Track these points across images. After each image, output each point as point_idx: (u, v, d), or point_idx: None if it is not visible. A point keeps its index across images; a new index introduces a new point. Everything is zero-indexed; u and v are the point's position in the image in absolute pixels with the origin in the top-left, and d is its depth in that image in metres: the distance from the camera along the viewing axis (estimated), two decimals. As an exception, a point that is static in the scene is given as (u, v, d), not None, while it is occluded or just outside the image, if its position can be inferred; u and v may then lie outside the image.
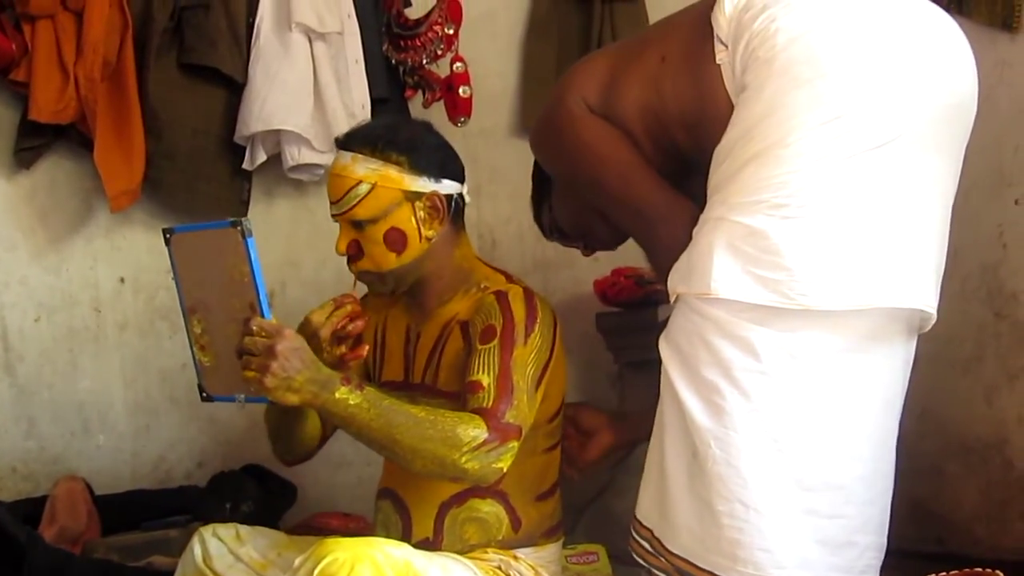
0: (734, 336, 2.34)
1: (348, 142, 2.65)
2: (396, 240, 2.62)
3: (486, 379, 2.51)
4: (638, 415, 2.78)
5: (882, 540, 2.50)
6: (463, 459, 2.40)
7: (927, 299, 2.40)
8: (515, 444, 2.47)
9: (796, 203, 2.29)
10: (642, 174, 2.63)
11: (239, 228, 2.29)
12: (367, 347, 2.61)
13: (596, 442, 2.90)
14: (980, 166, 2.96)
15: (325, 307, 2.59)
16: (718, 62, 2.48)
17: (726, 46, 2.47)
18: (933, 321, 2.46)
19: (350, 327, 2.57)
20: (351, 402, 2.36)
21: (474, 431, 2.42)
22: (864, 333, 2.36)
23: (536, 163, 3.03)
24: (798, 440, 2.34)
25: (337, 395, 2.35)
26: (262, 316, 2.31)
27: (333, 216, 2.66)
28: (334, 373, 2.38)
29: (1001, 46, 3.31)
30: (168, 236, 2.46)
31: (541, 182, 3.04)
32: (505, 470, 2.47)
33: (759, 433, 2.33)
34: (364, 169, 2.60)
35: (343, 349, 2.57)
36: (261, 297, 2.31)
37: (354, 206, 2.60)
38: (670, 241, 2.52)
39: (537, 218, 3.12)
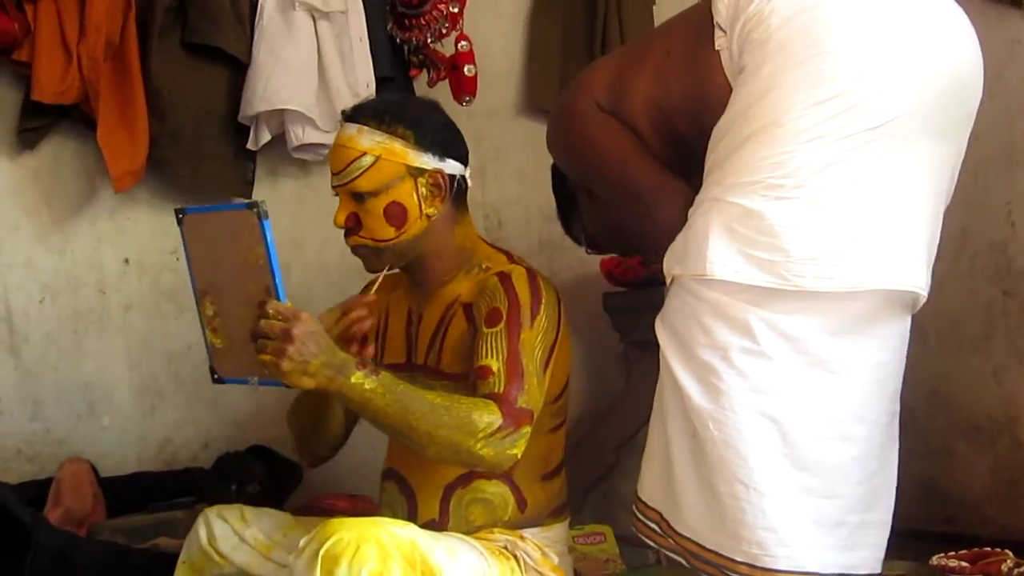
0: (730, 317, 2.34)
1: (355, 114, 2.65)
2: (396, 214, 2.61)
3: (495, 364, 2.50)
4: None
5: (879, 517, 2.50)
6: (478, 445, 2.39)
7: (919, 280, 2.41)
8: (528, 429, 2.47)
9: (792, 183, 2.30)
10: (638, 160, 2.65)
11: (255, 210, 2.26)
12: (372, 348, 2.57)
13: None
14: (990, 144, 2.96)
15: (334, 311, 2.57)
16: (717, 48, 2.51)
17: (724, 31, 2.48)
18: (923, 301, 2.45)
19: (355, 328, 2.55)
20: (367, 387, 2.34)
21: (489, 417, 2.41)
22: (859, 314, 2.37)
23: (554, 175, 3.03)
24: (794, 420, 2.34)
25: (353, 380, 2.33)
26: (278, 299, 2.29)
27: (334, 187, 2.65)
28: (350, 357, 2.36)
29: (1011, 24, 3.29)
30: (180, 216, 2.42)
31: (564, 194, 3.05)
32: (519, 456, 2.47)
33: (757, 413, 2.34)
34: (369, 141, 2.59)
35: (354, 349, 2.55)
36: (277, 280, 2.29)
37: (356, 177, 2.59)
38: (665, 223, 2.53)
39: (568, 231, 3.13)
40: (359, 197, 2.61)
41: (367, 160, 2.58)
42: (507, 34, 4.48)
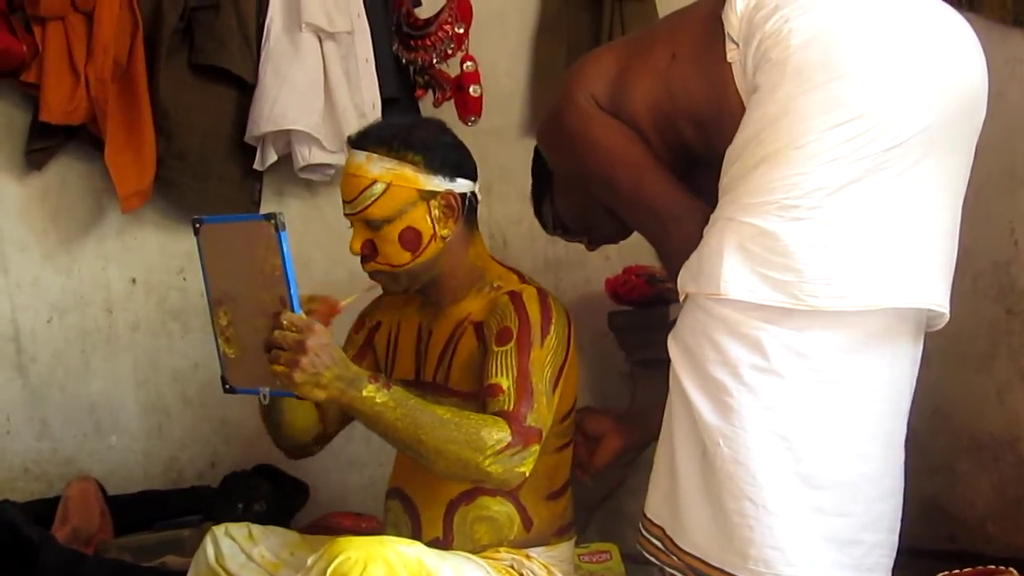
0: (742, 335, 2.34)
1: (362, 141, 2.64)
2: (411, 239, 2.62)
3: (505, 382, 2.51)
4: (644, 414, 2.79)
5: (893, 539, 2.50)
6: (486, 462, 2.41)
7: (935, 298, 2.41)
8: (536, 448, 2.48)
9: (807, 204, 2.30)
10: (655, 173, 2.64)
11: (273, 221, 2.29)
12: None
13: (605, 447, 2.91)
14: (992, 163, 2.96)
15: (315, 299, 2.56)
16: (729, 60, 2.49)
17: (737, 45, 2.47)
18: (946, 319, 2.46)
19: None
20: (378, 400, 2.36)
21: (498, 434, 2.42)
22: (871, 332, 2.37)
23: (535, 157, 3.03)
24: (805, 438, 2.34)
25: (364, 393, 2.35)
26: (292, 311, 2.30)
27: (347, 215, 2.65)
28: (362, 371, 2.38)
29: (1012, 43, 3.29)
30: (197, 226, 2.43)
31: (541, 176, 3.04)
32: (527, 474, 2.48)
33: (767, 431, 2.34)
34: (379, 168, 2.59)
35: None
36: (292, 292, 2.30)
37: (369, 206, 2.60)
38: (682, 240, 2.53)
39: (538, 213, 3.12)
40: (373, 224, 2.61)
41: (378, 188, 2.59)
42: (512, 54, 4.48)
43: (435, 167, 2.61)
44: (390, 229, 2.61)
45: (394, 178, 2.59)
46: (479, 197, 2.73)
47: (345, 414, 2.77)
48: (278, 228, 2.28)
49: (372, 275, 2.70)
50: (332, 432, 2.88)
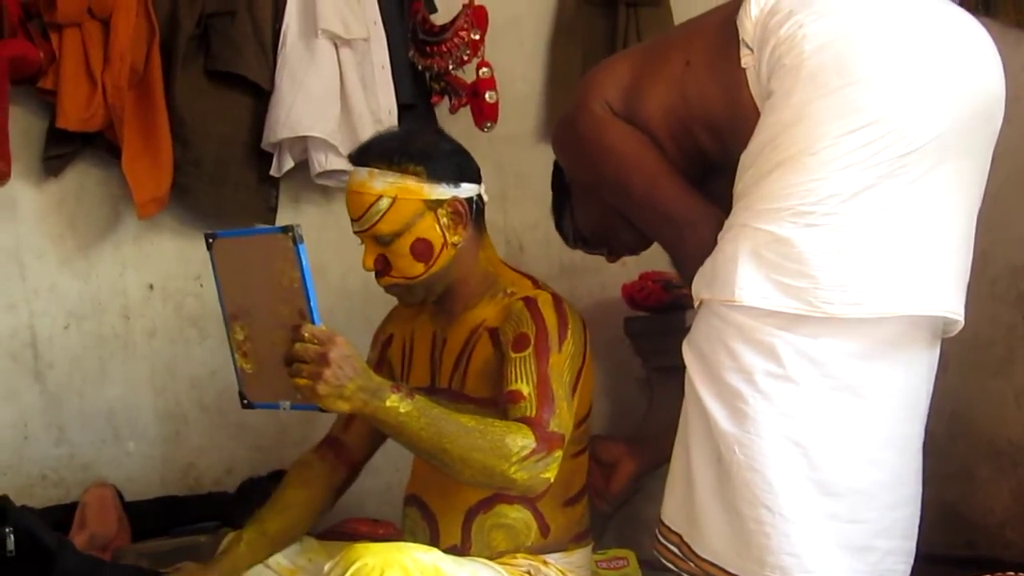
0: (756, 341, 2.34)
1: (363, 157, 2.64)
2: (422, 251, 2.61)
3: (526, 388, 2.50)
4: (656, 435, 2.80)
5: (908, 545, 2.49)
6: (512, 469, 2.39)
7: (950, 305, 2.40)
8: (560, 453, 2.47)
9: (821, 211, 2.29)
10: (669, 179, 2.64)
11: (290, 234, 2.25)
12: None
13: (620, 473, 2.92)
14: (1009, 168, 2.95)
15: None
16: (743, 66, 2.49)
17: (752, 50, 2.47)
18: (961, 326, 2.45)
19: None
20: (402, 410, 2.34)
21: (523, 441, 2.41)
22: (886, 339, 2.36)
23: (555, 171, 3.04)
24: (820, 445, 2.34)
25: (388, 403, 2.33)
26: (312, 323, 2.28)
27: (356, 233, 2.65)
28: (384, 381, 2.36)
29: (1028, 48, 3.29)
30: (210, 241, 2.40)
31: (561, 190, 3.05)
32: (552, 480, 2.47)
33: (782, 438, 2.33)
34: (382, 183, 2.59)
35: None
36: (312, 304, 2.27)
37: (377, 222, 2.60)
38: (696, 246, 2.53)
39: (559, 227, 3.12)
40: (383, 240, 2.61)
41: (384, 203, 2.59)
42: (527, 60, 4.48)
43: (438, 176, 2.61)
44: (400, 243, 2.61)
45: (398, 192, 2.59)
46: (485, 199, 2.73)
47: (370, 436, 2.78)
48: (296, 240, 2.25)
49: (387, 289, 2.69)
50: (360, 459, 2.88)
